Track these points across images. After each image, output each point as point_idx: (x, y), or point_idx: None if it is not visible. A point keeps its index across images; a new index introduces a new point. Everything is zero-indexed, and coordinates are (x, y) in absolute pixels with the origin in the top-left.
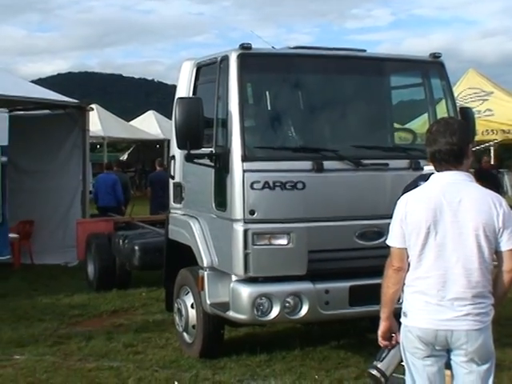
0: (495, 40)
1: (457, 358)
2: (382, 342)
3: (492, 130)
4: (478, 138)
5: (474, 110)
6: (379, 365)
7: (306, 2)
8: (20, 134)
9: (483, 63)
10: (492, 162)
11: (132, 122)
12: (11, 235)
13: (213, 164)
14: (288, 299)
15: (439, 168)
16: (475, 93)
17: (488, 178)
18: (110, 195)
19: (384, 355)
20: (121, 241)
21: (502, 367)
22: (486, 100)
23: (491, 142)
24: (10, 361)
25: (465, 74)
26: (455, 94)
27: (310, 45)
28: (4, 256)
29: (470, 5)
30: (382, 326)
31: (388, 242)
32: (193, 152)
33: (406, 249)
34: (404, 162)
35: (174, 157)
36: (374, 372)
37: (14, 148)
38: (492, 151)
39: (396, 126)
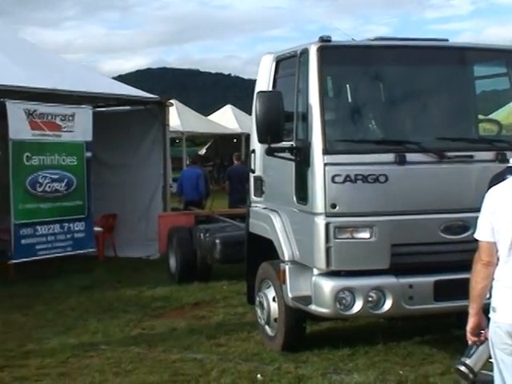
0: None
1: None
2: (470, 338)
3: None
4: None
5: None
6: (467, 361)
7: None
8: (102, 130)
9: None
10: None
11: (210, 117)
12: (95, 228)
13: (293, 157)
14: (371, 293)
15: None
16: None
17: None
18: (194, 190)
19: (472, 351)
20: (202, 234)
21: None
22: None
23: None
24: (96, 351)
25: None
26: None
27: (389, 36)
28: (89, 249)
29: None
30: (471, 322)
31: (476, 236)
32: (273, 146)
33: (495, 243)
34: (490, 154)
35: (254, 151)
36: (462, 368)
37: (97, 143)
38: None
39: (480, 116)
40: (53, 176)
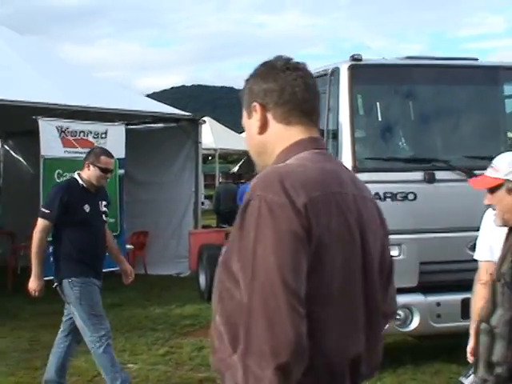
0: None
1: None
2: (470, 359)
3: None
4: None
5: None
6: (465, 381)
7: (418, 11)
8: (134, 147)
9: None
10: None
11: (243, 134)
12: (126, 246)
13: None
14: (399, 311)
15: None
16: None
17: None
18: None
19: (471, 372)
20: None
21: None
22: None
23: None
24: (123, 369)
25: None
26: None
27: (421, 54)
28: None
29: None
30: (472, 342)
31: (476, 257)
32: None
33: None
34: None
35: None
36: None
37: (129, 160)
38: None
39: (510, 135)
40: None
